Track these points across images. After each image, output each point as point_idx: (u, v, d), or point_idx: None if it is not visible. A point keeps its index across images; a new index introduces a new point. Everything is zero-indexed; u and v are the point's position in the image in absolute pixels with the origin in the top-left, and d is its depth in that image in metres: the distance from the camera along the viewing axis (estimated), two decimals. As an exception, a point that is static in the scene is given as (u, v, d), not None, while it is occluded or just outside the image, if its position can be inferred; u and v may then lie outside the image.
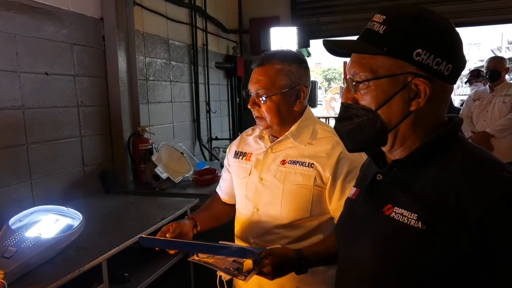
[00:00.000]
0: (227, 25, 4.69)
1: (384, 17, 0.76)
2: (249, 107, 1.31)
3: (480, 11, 4.33)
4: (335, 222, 1.28)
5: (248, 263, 1.08)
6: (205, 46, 4.19)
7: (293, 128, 1.31)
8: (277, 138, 1.35)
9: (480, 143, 3.57)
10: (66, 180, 2.40)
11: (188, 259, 1.20)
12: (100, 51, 2.67)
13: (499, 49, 13.50)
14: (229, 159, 1.50)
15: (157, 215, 2.07)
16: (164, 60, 3.48)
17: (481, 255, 0.67)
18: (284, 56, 1.29)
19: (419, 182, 0.75)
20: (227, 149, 1.55)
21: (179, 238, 1.30)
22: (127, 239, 1.68)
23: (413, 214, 0.73)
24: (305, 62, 1.32)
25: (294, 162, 1.29)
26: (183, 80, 3.83)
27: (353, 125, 0.79)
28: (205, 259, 1.15)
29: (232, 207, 1.53)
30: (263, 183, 1.33)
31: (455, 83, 0.78)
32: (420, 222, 0.71)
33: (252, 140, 1.44)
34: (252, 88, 1.29)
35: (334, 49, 0.81)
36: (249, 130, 1.51)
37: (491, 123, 3.57)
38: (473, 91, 4.18)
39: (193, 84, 3.96)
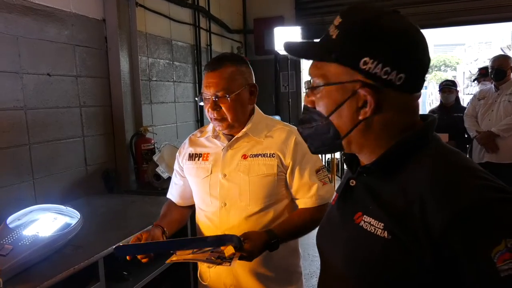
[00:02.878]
0: (231, 25, 4.70)
1: (341, 20, 0.72)
2: (209, 110, 1.35)
3: (480, 9, 4.29)
4: (296, 202, 1.43)
5: (229, 249, 1.11)
6: (208, 47, 4.21)
7: (249, 125, 1.40)
8: (233, 135, 1.41)
9: (485, 143, 3.54)
10: (68, 179, 2.43)
11: (166, 262, 1.21)
12: (102, 52, 2.70)
13: (509, 47, 13.28)
14: (182, 163, 1.53)
15: (156, 214, 2.07)
16: (167, 61, 3.51)
17: (447, 269, 0.62)
18: (234, 58, 1.39)
19: (387, 189, 0.72)
20: (177, 154, 1.57)
21: None
22: (125, 238, 1.70)
23: (380, 223, 0.70)
24: (248, 63, 1.43)
25: (256, 155, 1.39)
26: (187, 81, 3.85)
27: (311, 129, 0.78)
28: (183, 257, 1.16)
29: (188, 208, 1.60)
30: (227, 178, 1.40)
31: (416, 91, 0.73)
32: (386, 232, 0.68)
33: (206, 141, 1.49)
34: (210, 92, 1.33)
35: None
36: (197, 133, 1.55)
37: (496, 123, 3.51)
38: (479, 89, 4.13)
39: (197, 84, 3.98)
